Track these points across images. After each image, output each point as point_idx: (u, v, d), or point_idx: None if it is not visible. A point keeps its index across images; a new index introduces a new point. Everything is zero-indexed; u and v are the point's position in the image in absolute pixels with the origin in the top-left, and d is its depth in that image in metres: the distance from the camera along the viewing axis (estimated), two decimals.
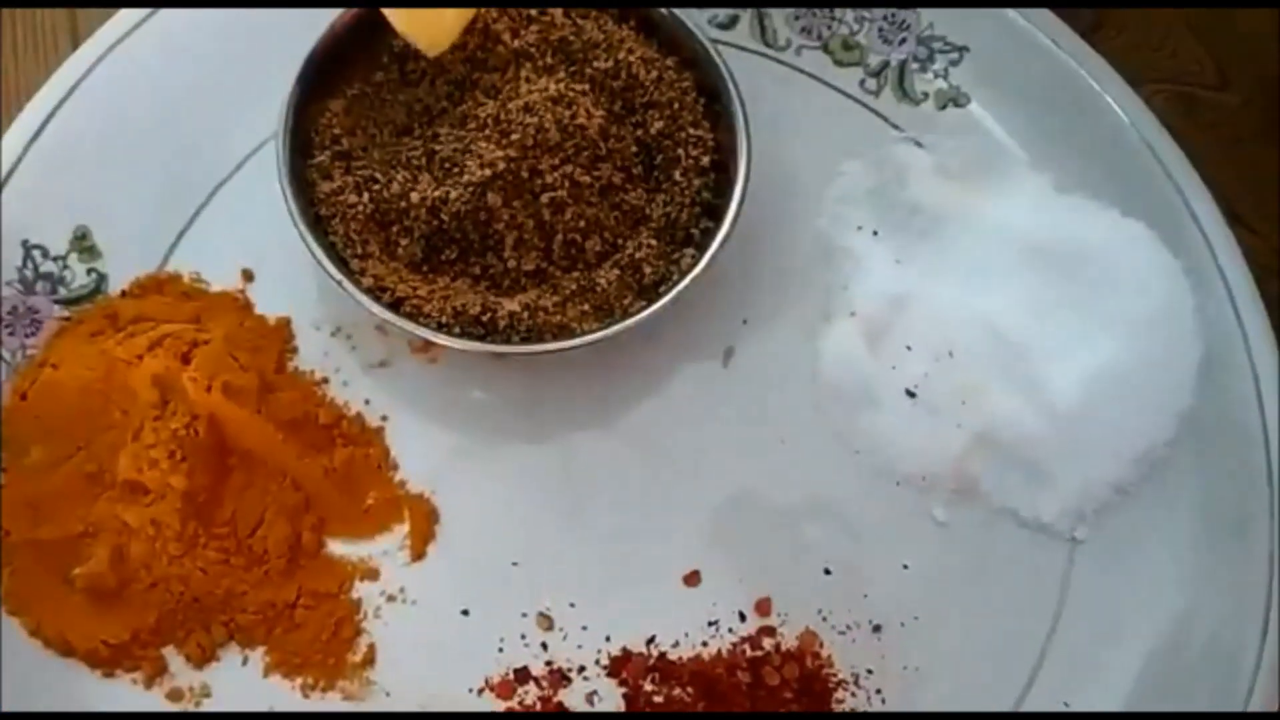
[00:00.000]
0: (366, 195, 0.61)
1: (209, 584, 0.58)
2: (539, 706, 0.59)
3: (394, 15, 0.60)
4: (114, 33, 0.66)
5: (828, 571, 0.62)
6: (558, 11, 0.64)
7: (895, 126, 0.69)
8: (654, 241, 0.62)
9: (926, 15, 0.70)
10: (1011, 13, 0.69)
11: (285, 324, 0.64)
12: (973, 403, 0.63)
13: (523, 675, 0.60)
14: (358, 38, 0.64)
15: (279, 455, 0.60)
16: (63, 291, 0.64)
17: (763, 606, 0.61)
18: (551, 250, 0.61)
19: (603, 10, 0.64)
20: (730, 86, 0.63)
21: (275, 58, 0.62)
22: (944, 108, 0.70)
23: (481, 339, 0.60)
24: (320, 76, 0.63)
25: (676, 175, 0.63)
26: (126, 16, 0.66)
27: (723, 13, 0.70)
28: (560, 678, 0.60)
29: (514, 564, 0.61)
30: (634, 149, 0.63)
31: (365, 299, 0.60)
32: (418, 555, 0.61)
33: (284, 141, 0.61)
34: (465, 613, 0.61)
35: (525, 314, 0.60)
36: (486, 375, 0.64)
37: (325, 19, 0.63)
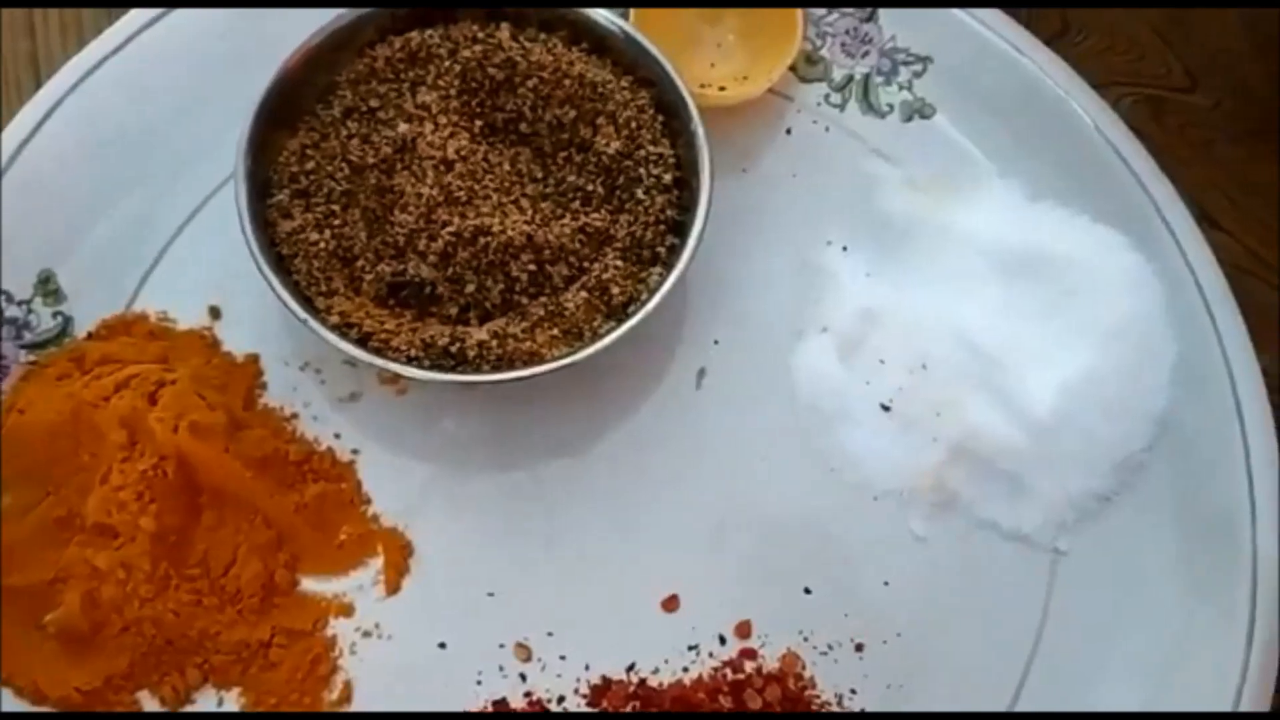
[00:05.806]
0: (328, 233, 0.61)
1: (182, 626, 0.58)
2: None
3: None
4: (72, 75, 0.66)
5: (808, 591, 0.61)
6: (504, 33, 0.63)
7: (862, 140, 0.69)
8: (620, 262, 0.61)
9: (889, 28, 0.69)
10: (974, 22, 0.68)
11: (254, 360, 0.64)
12: (948, 415, 0.63)
13: (502, 706, 0.59)
14: (312, 75, 0.63)
15: (249, 493, 0.60)
16: (28, 336, 0.63)
17: (743, 629, 0.61)
18: (517, 279, 0.61)
19: (551, 33, 0.64)
20: (688, 102, 0.62)
21: (234, 97, 0.62)
22: (910, 120, 0.69)
23: (451, 369, 0.60)
24: (277, 114, 0.62)
25: (639, 194, 0.62)
26: (83, 60, 0.66)
27: None
28: (540, 708, 0.59)
29: (490, 594, 0.61)
30: (593, 170, 0.63)
31: (332, 336, 0.59)
32: (392, 589, 0.61)
33: (243, 182, 0.61)
34: (442, 645, 0.60)
35: (494, 342, 0.59)
36: (457, 405, 0.64)
37: (283, 55, 0.62)
